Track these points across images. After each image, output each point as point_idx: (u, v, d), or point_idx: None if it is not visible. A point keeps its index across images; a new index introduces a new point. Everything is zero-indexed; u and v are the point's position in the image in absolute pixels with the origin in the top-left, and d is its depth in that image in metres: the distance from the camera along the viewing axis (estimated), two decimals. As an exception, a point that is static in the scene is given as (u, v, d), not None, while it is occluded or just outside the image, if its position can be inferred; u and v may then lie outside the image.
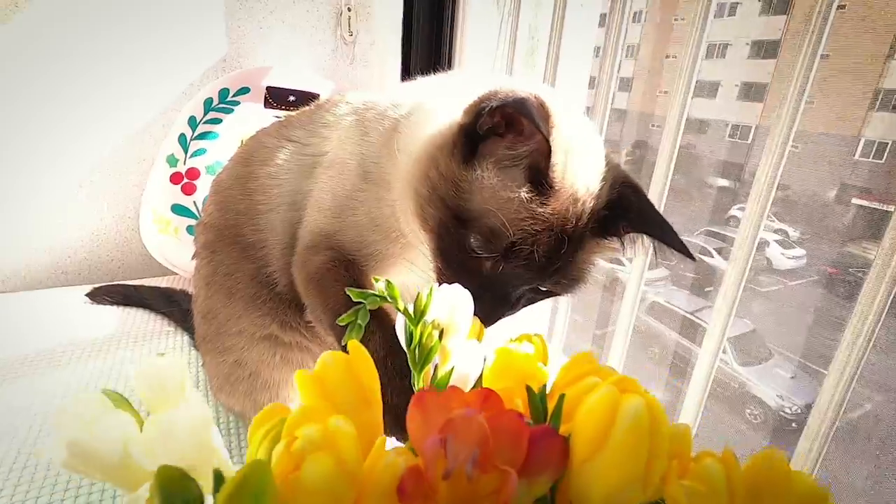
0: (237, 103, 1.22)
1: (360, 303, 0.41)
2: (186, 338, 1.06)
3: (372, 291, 0.42)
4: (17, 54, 1.19)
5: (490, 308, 0.56)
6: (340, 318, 0.42)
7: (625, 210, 0.58)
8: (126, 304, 1.14)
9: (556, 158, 0.52)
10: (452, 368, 0.38)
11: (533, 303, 0.61)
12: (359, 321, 0.42)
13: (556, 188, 0.53)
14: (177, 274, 1.32)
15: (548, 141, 0.50)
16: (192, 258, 0.79)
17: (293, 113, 0.76)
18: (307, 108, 0.76)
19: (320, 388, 0.31)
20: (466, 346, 0.39)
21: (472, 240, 0.54)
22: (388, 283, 0.41)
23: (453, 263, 0.57)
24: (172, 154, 1.20)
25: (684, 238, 0.58)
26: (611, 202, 0.58)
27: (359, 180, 0.65)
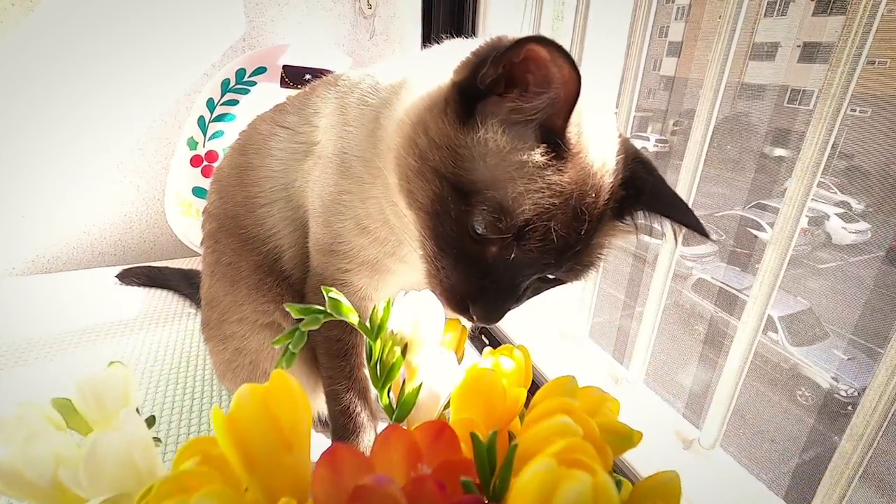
0: (254, 83, 1.21)
1: (300, 321, 0.35)
2: (207, 319, 1.08)
3: (315, 306, 0.36)
4: (50, 43, 1.22)
5: (494, 303, 0.48)
6: (274, 340, 0.35)
7: (639, 189, 0.51)
8: (150, 286, 1.18)
9: (574, 118, 0.45)
10: (420, 385, 0.35)
11: (538, 293, 0.54)
12: (291, 348, 0.35)
13: (574, 151, 0.46)
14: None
15: (578, 77, 0.41)
16: (200, 245, 0.79)
17: (291, 95, 0.73)
18: (303, 89, 0.71)
19: (233, 430, 0.26)
20: (436, 360, 0.36)
21: (475, 218, 0.46)
22: (332, 298, 0.36)
23: (452, 250, 0.48)
24: (192, 137, 1.21)
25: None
26: (624, 180, 0.51)
27: (341, 179, 0.59)
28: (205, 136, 1.20)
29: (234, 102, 1.20)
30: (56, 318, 1.06)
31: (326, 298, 0.36)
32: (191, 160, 1.20)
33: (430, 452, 0.26)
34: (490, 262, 0.48)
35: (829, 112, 0.75)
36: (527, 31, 1.35)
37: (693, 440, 0.95)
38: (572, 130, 0.46)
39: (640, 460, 0.92)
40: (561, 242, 0.47)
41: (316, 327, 0.35)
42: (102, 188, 1.38)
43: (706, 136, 0.94)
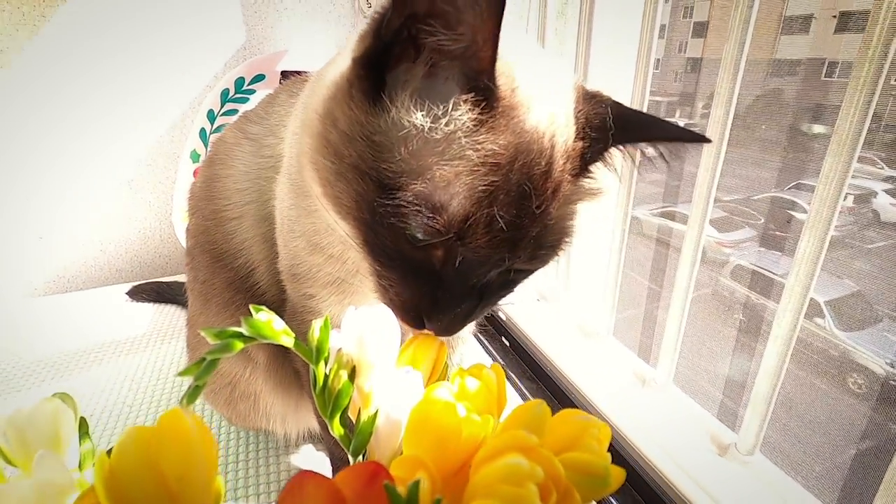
0: (252, 92, 1.19)
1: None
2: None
3: (232, 329, 0.30)
4: (58, 64, 1.23)
5: (451, 315, 0.42)
6: (180, 371, 0.29)
7: (599, 129, 0.43)
8: (159, 301, 1.18)
9: (501, 66, 0.37)
10: (376, 413, 0.30)
11: (508, 289, 0.47)
12: (196, 381, 0.29)
13: (507, 104, 0.39)
14: (215, 268, 1.34)
15: (497, 15, 0.33)
16: (188, 263, 0.76)
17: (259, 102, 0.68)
18: (267, 95, 0.67)
19: (112, 482, 0.22)
20: (395, 382, 0.30)
21: (410, 222, 0.38)
22: (249, 319, 0.29)
23: (393, 261, 0.42)
24: (195, 149, 1.20)
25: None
26: (580, 129, 0.43)
27: (290, 192, 0.53)
28: (206, 148, 1.18)
29: (233, 112, 1.18)
30: (69, 337, 1.07)
31: (244, 320, 0.30)
32: (194, 173, 1.19)
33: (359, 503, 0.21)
34: (439, 268, 0.41)
35: (867, 80, 0.66)
36: (534, 18, 1.29)
37: (729, 445, 0.88)
38: (502, 78, 0.38)
39: (673, 469, 0.85)
40: (512, 231, 0.39)
41: (231, 354, 0.29)
42: (115, 205, 1.39)
43: (728, 116, 0.86)
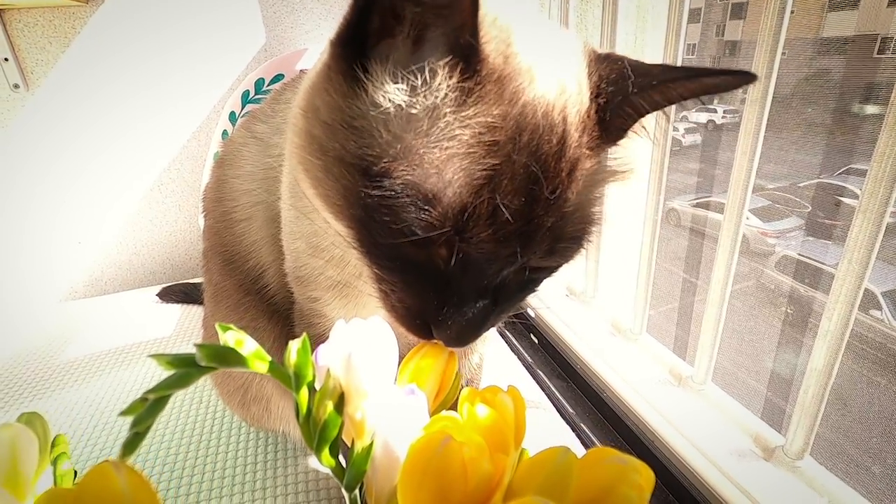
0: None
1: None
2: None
3: (188, 354, 0.26)
4: (87, 72, 1.27)
5: (462, 321, 0.36)
6: (123, 410, 0.25)
7: (615, 80, 0.38)
8: (187, 302, 1.19)
9: (486, 30, 0.33)
10: (371, 444, 0.27)
11: (529, 290, 0.42)
12: (136, 428, 0.24)
13: (498, 71, 0.34)
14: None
15: None
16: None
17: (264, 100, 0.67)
18: (272, 93, 0.65)
19: None
20: (394, 404, 0.27)
21: (403, 215, 0.33)
22: (202, 346, 0.25)
23: (393, 262, 0.37)
24: (218, 151, 1.20)
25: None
26: (595, 87, 0.38)
27: (288, 193, 0.50)
28: (229, 149, 1.19)
29: (254, 113, 1.19)
30: (101, 339, 1.09)
31: (196, 347, 0.26)
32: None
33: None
34: (443, 269, 0.36)
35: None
36: (556, 5, 1.24)
37: (776, 448, 0.81)
38: (490, 39, 0.34)
39: (713, 473, 0.80)
40: (521, 221, 0.35)
41: (185, 388, 0.26)
42: (147, 209, 1.43)
43: (766, 98, 0.79)
